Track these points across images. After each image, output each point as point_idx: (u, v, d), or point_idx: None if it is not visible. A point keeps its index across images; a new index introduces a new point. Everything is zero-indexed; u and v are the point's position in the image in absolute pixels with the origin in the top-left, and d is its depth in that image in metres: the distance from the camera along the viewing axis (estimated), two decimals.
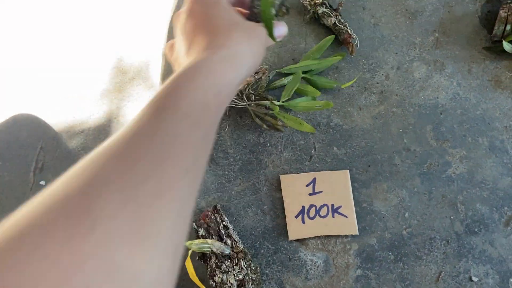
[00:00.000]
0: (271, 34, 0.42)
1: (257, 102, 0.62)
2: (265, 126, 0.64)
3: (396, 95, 0.65)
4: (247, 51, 0.39)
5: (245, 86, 0.62)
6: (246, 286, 0.55)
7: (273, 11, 0.44)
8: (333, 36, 0.65)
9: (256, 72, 0.62)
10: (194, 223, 0.59)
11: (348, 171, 0.62)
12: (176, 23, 0.43)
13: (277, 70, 0.67)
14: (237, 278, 0.55)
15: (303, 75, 0.64)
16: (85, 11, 0.74)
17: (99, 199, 0.22)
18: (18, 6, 0.75)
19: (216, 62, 0.35)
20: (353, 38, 0.64)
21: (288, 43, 0.69)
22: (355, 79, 0.65)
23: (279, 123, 0.63)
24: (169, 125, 0.28)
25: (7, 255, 0.19)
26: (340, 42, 0.66)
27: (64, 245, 0.20)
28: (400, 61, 0.66)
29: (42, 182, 0.64)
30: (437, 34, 0.67)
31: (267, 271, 0.60)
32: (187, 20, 0.41)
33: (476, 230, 0.60)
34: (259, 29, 0.42)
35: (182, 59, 0.40)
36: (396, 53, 0.66)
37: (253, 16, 0.45)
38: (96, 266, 0.20)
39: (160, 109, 0.28)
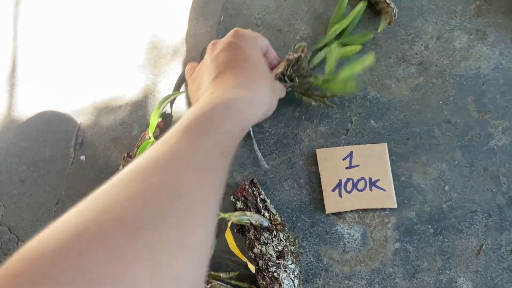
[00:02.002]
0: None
1: (301, 81, 0.60)
2: (314, 102, 0.62)
3: (436, 66, 0.63)
4: (268, 99, 0.44)
5: (286, 67, 0.59)
6: (285, 257, 0.55)
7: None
8: (365, 2, 0.63)
9: (295, 52, 0.60)
10: (232, 197, 0.60)
11: (386, 144, 0.61)
12: (210, 50, 0.47)
13: (312, 48, 0.65)
14: (276, 249, 0.55)
15: (338, 41, 0.62)
16: None
17: (144, 209, 0.24)
18: None
19: (246, 103, 0.39)
20: (391, 7, 0.62)
21: (323, 14, 0.67)
22: (382, 25, 0.63)
23: (328, 94, 0.62)
24: (203, 151, 0.31)
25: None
26: (378, 11, 0.64)
27: (106, 252, 0.21)
28: (440, 30, 0.64)
29: (82, 157, 0.66)
30: (478, 2, 0.64)
31: (304, 244, 0.60)
32: (223, 51, 0.45)
33: None
34: (280, 86, 0.51)
35: (205, 85, 0.43)
36: (436, 23, 0.64)
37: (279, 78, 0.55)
38: (143, 266, 0.22)
39: (196, 134, 0.32)
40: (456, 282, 0.57)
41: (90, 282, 0.19)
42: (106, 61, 0.71)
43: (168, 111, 0.66)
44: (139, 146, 0.59)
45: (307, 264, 0.60)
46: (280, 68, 0.58)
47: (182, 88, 0.67)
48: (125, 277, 0.21)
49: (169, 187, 0.27)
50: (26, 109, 0.70)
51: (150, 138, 0.57)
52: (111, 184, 0.27)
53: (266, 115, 0.47)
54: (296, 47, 0.61)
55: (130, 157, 0.58)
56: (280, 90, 0.49)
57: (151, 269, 0.22)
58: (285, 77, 0.59)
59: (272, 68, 0.59)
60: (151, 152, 0.30)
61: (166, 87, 0.67)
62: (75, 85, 0.70)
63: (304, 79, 0.60)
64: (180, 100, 0.67)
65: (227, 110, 0.35)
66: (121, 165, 0.59)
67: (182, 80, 0.67)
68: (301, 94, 0.62)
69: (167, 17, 0.71)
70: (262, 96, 0.42)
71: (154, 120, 0.55)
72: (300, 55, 0.60)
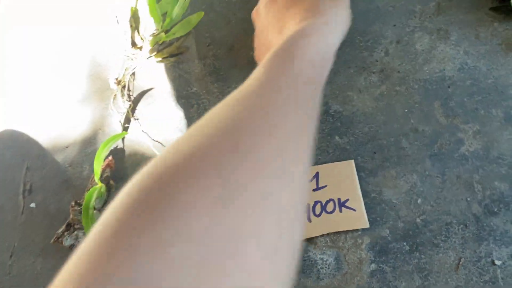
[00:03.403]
0: None
1: None
2: None
3: (398, 72, 0.59)
4: (339, 16, 0.41)
5: None
6: None
7: None
8: None
9: None
10: None
11: (353, 161, 0.58)
12: (262, 6, 0.45)
13: None
14: None
15: None
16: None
17: (246, 136, 0.24)
18: None
19: (319, 27, 0.37)
20: None
21: None
22: None
23: None
24: (290, 79, 0.30)
25: (170, 178, 0.21)
26: None
27: (217, 175, 0.21)
28: (400, 33, 0.60)
29: (33, 205, 0.61)
30: None
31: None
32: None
33: (495, 210, 0.56)
34: None
35: (276, 37, 0.41)
36: (395, 25, 0.60)
37: None
38: (248, 197, 0.22)
39: (278, 66, 0.31)
40: None
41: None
42: (48, 97, 0.66)
43: (120, 145, 0.62)
44: (89, 189, 0.55)
45: None
46: None
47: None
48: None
49: (262, 116, 0.26)
50: None
51: (97, 183, 0.53)
52: (209, 119, 0.27)
53: (347, 28, 0.44)
54: None
55: (79, 205, 0.54)
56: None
57: (261, 196, 0.22)
58: None
59: None
60: (239, 90, 0.30)
61: (115, 120, 0.63)
62: (17, 127, 0.65)
63: None
64: (131, 135, 0.62)
65: (302, 40, 0.34)
66: (71, 214, 0.55)
67: None
68: None
69: (108, 44, 0.66)
70: (332, 15, 0.40)
71: (98, 165, 0.51)
72: None
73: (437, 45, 0.59)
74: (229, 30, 0.64)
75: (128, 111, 0.61)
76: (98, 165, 0.51)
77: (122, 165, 0.61)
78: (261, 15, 0.46)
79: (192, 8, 0.65)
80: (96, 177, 0.52)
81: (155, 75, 0.63)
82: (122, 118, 0.62)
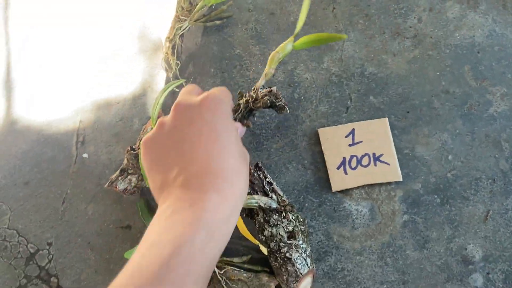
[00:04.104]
0: None
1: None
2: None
3: (431, 37, 0.63)
4: (237, 187, 0.34)
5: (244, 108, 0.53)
6: (296, 237, 0.55)
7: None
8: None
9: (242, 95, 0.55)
10: None
11: (386, 119, 0.61)
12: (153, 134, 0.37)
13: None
14: (287, 230, 0.55)
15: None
16: None
17: None
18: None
19: (212, 207, 0.31)
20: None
21: None
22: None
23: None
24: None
25: None
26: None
27: None
28: (432, 2, 0.64)
29: (85, 155, 0.66)
30: None
31: (313, 224, 0.61)
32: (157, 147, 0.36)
33: None
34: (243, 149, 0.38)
35: (159, 186, 0.34)
36: None
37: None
38: None
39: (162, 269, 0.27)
40: (466, 249, 0.57)
41: None
42: (100, 57, 0.70)
43: (168, 102, 0.66)
44: (141, 139, 0.59)
45: (317, 243, 0.60)
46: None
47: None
48: None
49: None
50: (24, 111, 0.69)
51: (152, 129, 0.57)
52: None
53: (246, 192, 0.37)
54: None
55: (134, 150, 0.58)
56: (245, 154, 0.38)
57: None
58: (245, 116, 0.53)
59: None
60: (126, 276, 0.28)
61: (163, 78, 0.67)
62: (71, 84, 0.70)
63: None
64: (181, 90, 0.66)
65: (193, 237, 0.29)
66: (125, 158, 0.59)
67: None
68: None
69: (157, 8, 0.70)
70: (238, 188, 0.34)
71: (155, 112, 0.55)
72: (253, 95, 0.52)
73: (467, 13, 0.63)
74: None
75: (176, 70, 0.65)
76: (156, 111, 0.55)
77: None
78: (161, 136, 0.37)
79: None
80: (153, 123, 0.56)
81: (201, 38, 0.68)
82: (171, 76, 0.66)
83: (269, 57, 0.48)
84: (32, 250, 0.63)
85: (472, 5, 0.64)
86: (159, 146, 0.35)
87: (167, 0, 0.71)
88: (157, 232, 0.30)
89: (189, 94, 0.38)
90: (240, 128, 0.44)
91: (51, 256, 0.63)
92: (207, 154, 0.33)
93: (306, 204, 0.61)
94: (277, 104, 0.53)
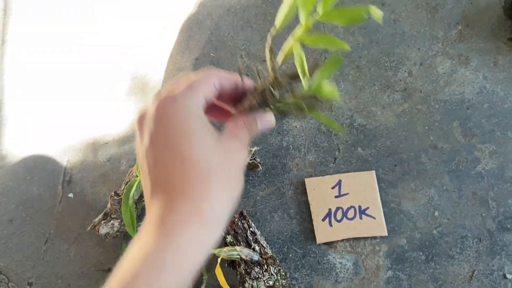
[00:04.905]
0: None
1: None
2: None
3: (420, 91, 0.64)
4: (225, 201, 0.28)
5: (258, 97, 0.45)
6: None
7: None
8: None
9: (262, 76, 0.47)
10: None
11: (374, 171, 0.61)
12: (139, 132, 0.30)
13: None
14: (267, 285, 0.55)
15: None
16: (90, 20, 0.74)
17: None
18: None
19: (188, 247, 0.26)
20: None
21: None
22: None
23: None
24: None
25: None
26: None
27: None
28: (423, 56, 0.64)
29: (71, 195, 0.65)
30: (460, 27, 0.65)
31: (296, 275, 0.60)
32: (149, 148, 0.28)
33: (509, 226, 0.58)
34: (239, 146, 0.30)
35: (147, 194, 0.29)
36: (419, 49, 0.65)
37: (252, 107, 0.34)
38: None
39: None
40: None
41: None
42: (91, 98, 0.71)
43: None
44: (127, 183, 0.59)
45: None
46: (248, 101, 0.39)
47: None
48: None
49: None
50: (13, 148, 0.69)
51: (137, 175, 0.57)
52: None
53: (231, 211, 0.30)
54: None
55: (118, 195, 0.58)
56: (240, 156, 0.30)
57: None
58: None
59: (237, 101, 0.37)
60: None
61: None
62: (61, 124, 0.70)
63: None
64: None
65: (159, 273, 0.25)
66: (109, 203, 0.58)
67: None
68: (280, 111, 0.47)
69: (151, 52, 0.71)
70: (216, 206, 0.27)
71: None
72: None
73: (457, 69, 0.64)
74: None
75: None
76: None
77: None
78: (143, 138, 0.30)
79: None
80: (137, 170, 0.56)
81: None
82: None
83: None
84: None
85: (463, 61, 0.64)
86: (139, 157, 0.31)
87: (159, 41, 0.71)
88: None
89: (171, 91, 0.31)
90: (262, 119, 0.34)
91: None
92: (164, 171, 0.28)
93: (290, 255, 0.61)
94: (250, 162, 0.50)
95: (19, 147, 0.69)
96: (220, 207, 0.28)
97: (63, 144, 0.68)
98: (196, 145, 0.28)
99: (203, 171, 0.28)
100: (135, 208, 0.57)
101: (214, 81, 0.32)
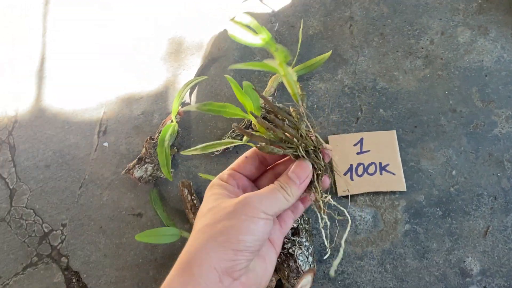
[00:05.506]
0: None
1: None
2: None
3: (441, 59, 0.67)
4: None
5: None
6: (300, 234, 0.57)
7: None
8: None
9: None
10: None
11: (394, 131, 0.64)
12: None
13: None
14: (292, 227, 0.58)
15: None
16: None
17: None
18: None
19: None
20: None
21: (333, 11, 0.71)
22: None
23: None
24: None
25: None
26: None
27: None
28: (444, 26, 0.68)
29: (106, 144, 0.69)
30: (480, 0, 0.68)
31: (317, 226, 0.63)
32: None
33: None
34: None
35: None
36: (440, 19, 0.68)
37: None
38: None
39: None
40: (465, 261, 0.59)
41: None
42: (129, 55, 0.75)
43: (187, 100, 0.70)
44: (160, 131, 0.62)
45: (320, 245, 0.62)
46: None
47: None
48: None
49: None
50: (53, 100, 0.74)
51: (172, 121, 0.60)
52: None
53: None
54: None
55: (153, 139, 0.61)
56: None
57: None
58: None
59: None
60: None
61: (185, 78, 0.71)
62: (99, 77, 0.74)
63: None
64: (203, 85, 0.71)
65: None
66: (144, 147, 0.62)
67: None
68: None
69: (187, 16, 0.75)
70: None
71: (176, 104, 0.59)
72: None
73: (477, 39, 0.67)
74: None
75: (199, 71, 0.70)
76: (177, 103, 0.59)
77: (188, 117, 0.69)
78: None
79: None
80: (173, 114, 0.60)
81: (224, 43, 0.73)
82: (192, 77, 0.70)
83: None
84: (46, 230, 0.66)
85: (482, 32, 0.67)
86: None
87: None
88: None
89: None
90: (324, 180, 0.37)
91: (63, 236, 0.65)
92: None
93: (311, 206, 0.64)
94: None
95: (59, 99, 0.73)
96: None
97: (100, 97, 0.73)
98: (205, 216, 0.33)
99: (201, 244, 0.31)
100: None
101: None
